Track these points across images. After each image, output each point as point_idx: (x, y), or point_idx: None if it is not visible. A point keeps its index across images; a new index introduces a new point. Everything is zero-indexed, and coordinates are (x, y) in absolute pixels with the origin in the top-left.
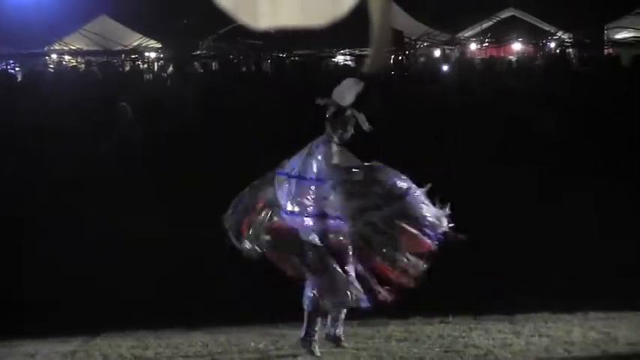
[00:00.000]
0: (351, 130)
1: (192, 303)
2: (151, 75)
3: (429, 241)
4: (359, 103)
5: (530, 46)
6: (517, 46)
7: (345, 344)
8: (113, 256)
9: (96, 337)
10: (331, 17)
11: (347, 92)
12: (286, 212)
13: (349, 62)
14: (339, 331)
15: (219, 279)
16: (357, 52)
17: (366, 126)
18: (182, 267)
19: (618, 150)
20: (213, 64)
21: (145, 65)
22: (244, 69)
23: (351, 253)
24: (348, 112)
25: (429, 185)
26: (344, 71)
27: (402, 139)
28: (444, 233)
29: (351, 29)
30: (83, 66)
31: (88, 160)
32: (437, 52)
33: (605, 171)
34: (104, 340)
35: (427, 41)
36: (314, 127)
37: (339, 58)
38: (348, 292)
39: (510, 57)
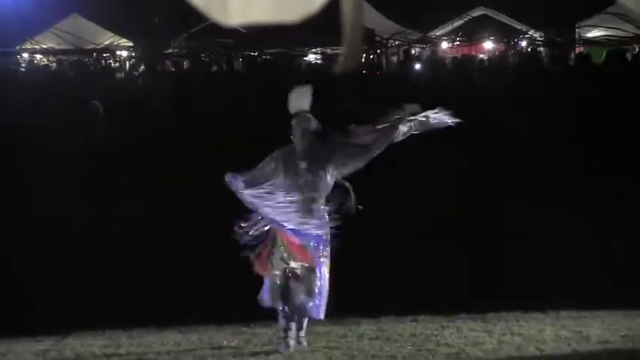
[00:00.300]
0: (299, 138)
1: (165, 302)
2: (123, 73)
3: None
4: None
5: (502, 44)
6: (488, 45)
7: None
8: (84, 255)
9: (68, 336)
10: (303, 14)
11: (293, 100)
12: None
13: (320, 61)
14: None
15: (191, 278)
16: (328, 50)
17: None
18: (154, 266)
19: (590, 148)
20: (185, 62)
21: (117, 64)
22: (215, 68)
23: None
24: (293, 122)
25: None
26: (315, 70)
27: None
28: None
29: (322, 27)
30: (55, 65)
31: (60, 158)
32: (408, 51)
33: (578, 169)
34: (76, 339)
35: (398, 40)
36: (285, 124)
37: (311, 57)
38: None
39: (481, 55)
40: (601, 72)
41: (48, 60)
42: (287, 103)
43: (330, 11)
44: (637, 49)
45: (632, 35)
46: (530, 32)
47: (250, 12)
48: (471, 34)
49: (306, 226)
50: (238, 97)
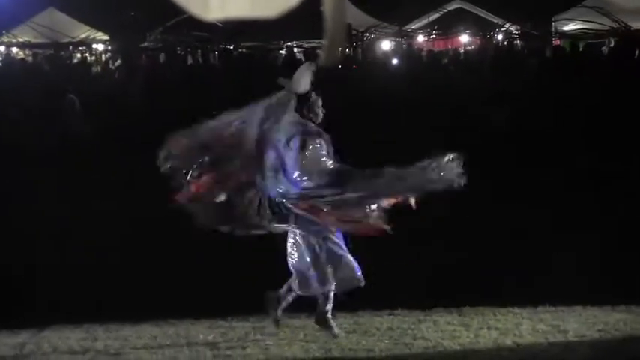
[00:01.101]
0: (320, 113)
1: (141, 295)
2: (99, 67)
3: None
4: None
5: (478, 38)
6: (464, 39)
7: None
8: (61, 248)
9: (45, 328)
10: (281, 9)
11: (302, 78)
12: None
13: (297, 54)
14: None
15: (167, 271)
16: (304, 44)
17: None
18: (131, 259)
19: (566, 141)
20: (161, 56)
21: (93, 57)
22: (191, 61)
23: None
24: (313, 97)
25: None
26: (292, 63)
27: (351, 132)
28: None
29: (299, 21)
30: (31, 58)
31: (36, 151)
32: (384, 45)
33: (554, 163)
34: (54, 332)
35: (374, 33)
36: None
37: (287, 50)
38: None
39: (458, 49)
40: (578, 65)
41: (24, 54)
42: (294, 83)
43: (310, 5)
44: (613, 42)
45: (608, 28)
46: (507, 26)
47: (229, 7)
48: (447, 27)
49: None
50: (214, 91)
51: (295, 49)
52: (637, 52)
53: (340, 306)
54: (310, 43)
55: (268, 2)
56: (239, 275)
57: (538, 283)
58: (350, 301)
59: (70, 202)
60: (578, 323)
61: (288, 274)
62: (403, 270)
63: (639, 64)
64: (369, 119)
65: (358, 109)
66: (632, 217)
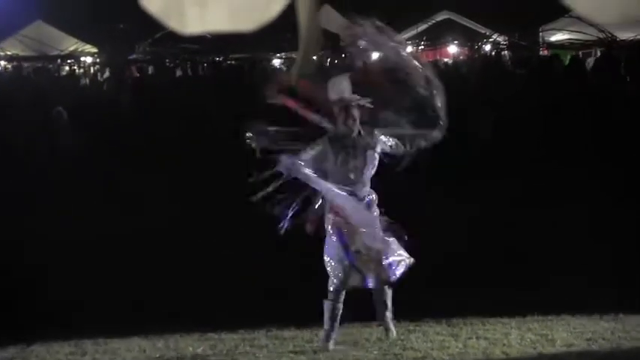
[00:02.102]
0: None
1: (130, 308)
2: (87, 80)
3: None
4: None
5: (466, 48)
6: (453, 49)
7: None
8: (49, 261)
9: (33, 343)
10: (259, 22)
11: (338, 86)
12: None
13: (284, 66)
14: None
15: (157, 284)
16: (293, 55)
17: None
18: (119, 272)
19: (553, 150)
20: (149, 68)
21: (81, 70)
22: (180, 73)
23: None
24: (353, 103)
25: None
26: (280, 74)
27: None
28: None
29: (286, 33)
30: (19, 71)
31: (25, 163)
32: (374, 55)
33: (541, 172)
34: (42, 347)
35: None
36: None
37: (276, 62)
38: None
39: (446, 59)
40: (565, 75)
41: (12, 66)
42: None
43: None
44: (599, 53)
45: (596, 39)
46: (494, 36)
47: (207, 20)
48: (435, 38)
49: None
50: (203, 103)
51: (283, 60)
52: (622, 62)
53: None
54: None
55: (246, 15)
56: (229, 288)
57: (526, 293)
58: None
59: (56, 215)
60: (566, 332)
61: (276, 287)
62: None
63: (625, 73)
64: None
65: None
66: (620, 227)
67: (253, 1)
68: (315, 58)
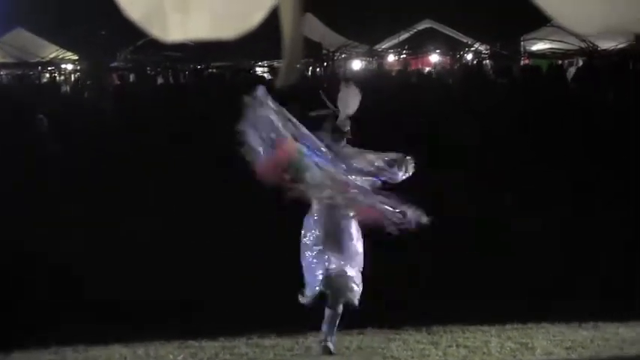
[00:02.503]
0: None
1: (110, 315)
2: (68, 87)
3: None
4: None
5: (448, 57)
6: (434, 58)
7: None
8: (27, 269)
9: (13, 351)
10: (241, 30)
11: (351, 101)
12: None
13: (266, 74)
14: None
15: (137, 291)
16: (275, 63)
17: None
18: (99, 279)
19: (534, 157)
20: (131, 75)
21: (62, 77)
22: (161, 81)
23: None
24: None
25: None
26: (261, 82)
27: None
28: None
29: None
30: None
31: (5, 172)
32: (355, 64)
33: (523, 181)
34: (22, 355)
35: (345, 53)
36: (231, 136)
37: (258, 70)
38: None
39: (428, 68)
40: (547, 84)
41: None
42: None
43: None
44: (581, 62)
45: (577, 48)
46: (476, 45)
47: (189, 28)
48: (417, 47)
49: None
50: (185, 111)
51: (265, 69)
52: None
53: (311, 325)
54: (281, 62)
55: (228, 23)
56: (209, 295)
57: (506, 301)
58: (320, 319)
59: (36, 223)
60: (546, 341)
61: (257, 295)
62: (372, 289)
63: (605, 82)
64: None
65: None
66: (600, 235)
67: (235, 9)
68: (299, 66)
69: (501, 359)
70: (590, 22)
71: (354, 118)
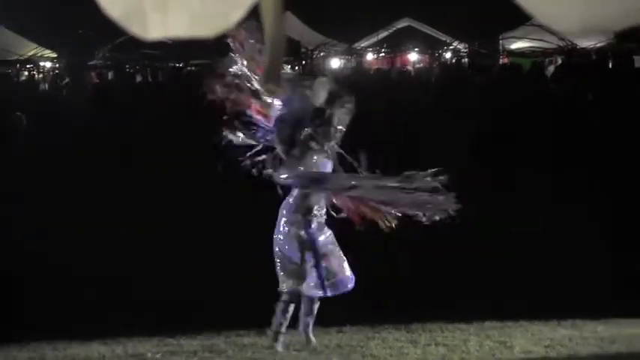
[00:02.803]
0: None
1: (89, 313)
2: (47, 85)
3: None
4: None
5: (427, 56)
6: (413, 56)
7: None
8: (6, 268)
9: None
10: (220, 28)
11: (320, 91)
12: None
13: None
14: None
15: (116, 289)
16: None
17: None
18: (78, 276)
19: (512, 157)
20: (109, 74)
21: (41, 75)
22: (140, 79)
23: None
24: (328, 111)
25: None
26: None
27: None
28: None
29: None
30: None
31: None
32: (334, 62)
33: (498, 181)
34: (0, 353)
35: (324, 51)
36: (210, 134)
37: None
38: None
39: (407, 67)
40: (526, 83)
41: None
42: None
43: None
44: (560, 61)
45: (556, 47)
46: (455, 44)
47: (169, 26)
48: (395, 45)
49: None
50: (163, 109)
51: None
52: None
53: (289, 323)
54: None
55: (207, 22)
56: (187, 293)
57: (485, 299)
58: (299, 318)
59: (15, 220)
60: (524, 339)
61: (235, 293)
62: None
63: (585, 81)
64: None
65: None
66: (577, 233)
67: (214, 8)
68: (282, 65)
69: (480, 358)
70: (569, 20)
71: None
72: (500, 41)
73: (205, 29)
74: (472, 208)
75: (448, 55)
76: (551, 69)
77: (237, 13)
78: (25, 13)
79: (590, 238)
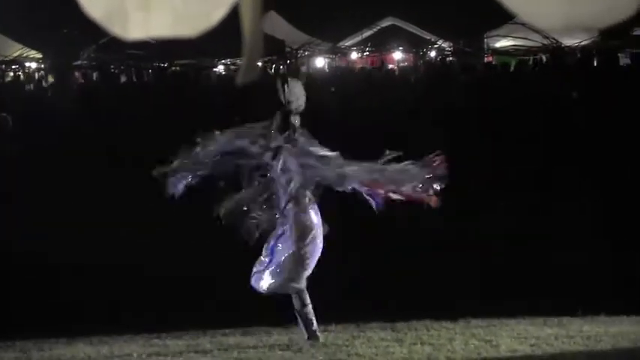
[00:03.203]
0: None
1: (75, 313)
2: (32, 85)
3: None
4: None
5: (411, 54)
6: (398, 55)
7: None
8: None
9: None
10: (202, 28)
11: (301, 95)
12: None
13: (229, 72)
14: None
15: (101, 290)
16: (238, 61)
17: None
18: (63, 277)
19: (497, 156)
20: (94, 74)
21: (26, 76)
22: (125, 79)
23: None
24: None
25: None
26: (225, 81)
27: None
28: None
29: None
30: None
31: None
32: (318, 61)
33: (484, 179)
34: None
35: (308, 50)
36: (191, 136)
37: (220, 68)
38: None
39: (391, 66)
40: (511, 81)
41: None
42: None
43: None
44: (544, 59)
45: (540, 45)
46: (439, 42)
47: (151, 26)
48: (380, 44)
49: None
50: (148, 109)
51: (230, 67)
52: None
53: (274, 323)
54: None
55: (189, 21)
56: (173, 294)
57: (471, 298)
58: (284, 317)
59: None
60: (510, 338)
61: (221, 294)
62: (336, 286)
63: (570, 79)
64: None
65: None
66: (563, 231)
67: (196, 7)
68: (259, 64)
69: (466, 357)
70: (552, 18)
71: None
72: (485, 40)
73: (187, 29)
74: (454, 208)
75: (433, 53)
76: (536, 67)
77: (219, 12)
78: (9, 13)
79: (576, 238)
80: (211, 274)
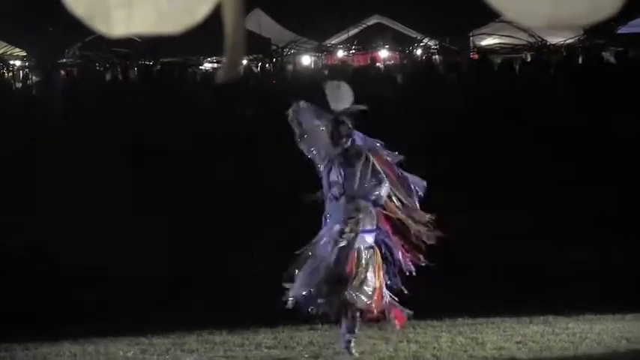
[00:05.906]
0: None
1: (60, 312)
2: (17, 83)
3: None
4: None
5: (397, 52)
6: (384, 53)
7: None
8: None
9: None
10: (186, 24)
11: (345, 97)
12: None
13: (215, 70)
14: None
15: (87, 288)
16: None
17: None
18: (48, 276)
19: (482, 153)
20: (79, 72)
21: (10, 74)
22: (109, 77)
23: None
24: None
25: None
26: (211, 79)
27: (267, 145)
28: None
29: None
30: None
31: None
32: (304, 60)
33: (468, 176)
34: None
35: (294, 48)
36: (179, 134)
37: (206, 66)
38: None
39: (377, 64)
40: (496, 78)
41: None
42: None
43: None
44: (529, 57)
45: (526, 43)
46: (425, 40)
47: (134, 23)
48: (366, 42)
49: None
50: (133, 107)
51: (214, 64)
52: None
53: (261, 321)
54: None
55: (172, 18)
56: (159, 292)
57: (456, 296)
58: (270, 315)
59: None
60: (496, 336)
61: (207, 292)
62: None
63: (555, 76)
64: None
65: (280, 124)
66: (548, 230)
67: (180, 4)
68: (242, 62)
69: (452, 354)
70: (536, 16)
71: None
72: (471, 38)
73: (171, 25)
74: (438, 205)
75: (418, 51)
76: (521, 65)
77: (203, 9)
78: None
79: (561, 237)
80: (197, 272)
